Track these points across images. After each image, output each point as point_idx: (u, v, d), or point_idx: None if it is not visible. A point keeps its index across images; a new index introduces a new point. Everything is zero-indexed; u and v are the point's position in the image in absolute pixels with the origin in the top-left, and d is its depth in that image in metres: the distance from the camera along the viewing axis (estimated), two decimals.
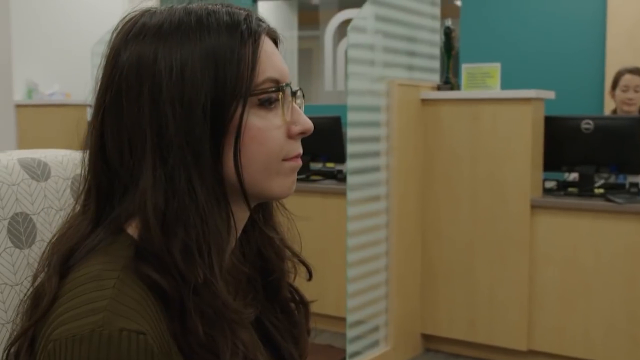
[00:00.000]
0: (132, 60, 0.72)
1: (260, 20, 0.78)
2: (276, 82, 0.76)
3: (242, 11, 0.77)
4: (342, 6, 7.65)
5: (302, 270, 0.91)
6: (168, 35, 0.73)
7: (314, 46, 8.89)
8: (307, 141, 0.81)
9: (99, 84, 0.76)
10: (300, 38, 8.38)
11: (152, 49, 0.72)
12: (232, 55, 0.73)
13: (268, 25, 0.79)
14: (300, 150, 0.80)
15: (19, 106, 5.22)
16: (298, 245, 0.90)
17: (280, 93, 0.76)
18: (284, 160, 0.77)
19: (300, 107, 0.81)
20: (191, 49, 0.72)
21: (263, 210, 0.87)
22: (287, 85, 0.77)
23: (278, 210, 0.89)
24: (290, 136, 0.77)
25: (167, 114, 0.71)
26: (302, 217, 0.90)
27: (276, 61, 0.77)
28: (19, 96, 5.27)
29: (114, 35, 0.76)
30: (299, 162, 0.80)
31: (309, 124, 0.79)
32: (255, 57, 0.74)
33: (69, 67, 5.33)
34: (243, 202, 0.76)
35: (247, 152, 0.74)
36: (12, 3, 5.13)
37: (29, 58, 5.30)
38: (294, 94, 0.79)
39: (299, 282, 0.92)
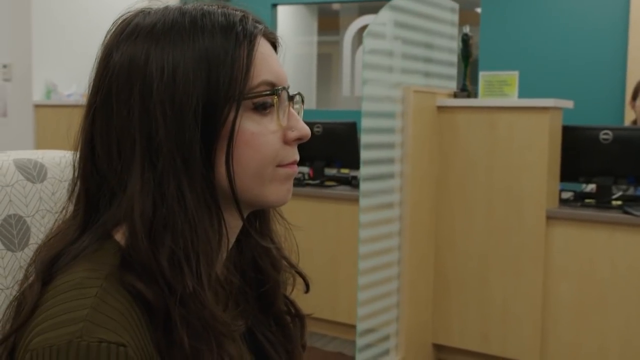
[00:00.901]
0: (124, 61, 0.71)
1: (256, 21, 0.75)
2: (272, 85, 0.74)
3: (238, 12, 0.74)
4: (362, 12, 7.65)
5: (302, 281, 0.88)
6: (161, 36, 0.70)
7: (333, 51, 8.88)
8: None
9: (91, 84, 0.74)
10: (320, 43, 8.38)
11: (144, 50, 0.70)
12: (225, 57, 0.70)
13: (265, 27, 0.76)
14: (297, 157, 0.77)
15: (37, 106, 5.27)
16: (295, 255, 0.87)
17: (275, 97, 0.73)
18: (279, 166, 0.75)
19: (299, 112, 0.79)
20: (184, 51, 0.69)
21: (259, 218, 0.84)
22: (283, 89, 0.74)
23: (275, 218, 0.86)
24: (286, 142, 0.75)
25: (157, 117, 0.68)
26: (298, 226, 0.87)
27: (272, 64, 0.75)
28: (38, 96, 5.32)
29: (108, 35, 0.75)
30: (294, 169, 0.77)
31: (305, 130, 0.76)
32: (250, 59, 0.72)
33: (88, 68, 5.33)
34: (236, 210, 0.74)
35: (240, 158, 0.71)
36: (33, 5, 5.17)
37: (49, 59, 5.34)
38: (291, 98, 0.76)
39: (305, 294, 0.89)
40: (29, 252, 0.79)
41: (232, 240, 0.78)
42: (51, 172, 0.86)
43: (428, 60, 3.48)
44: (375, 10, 3.35)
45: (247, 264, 0.84)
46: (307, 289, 0.89)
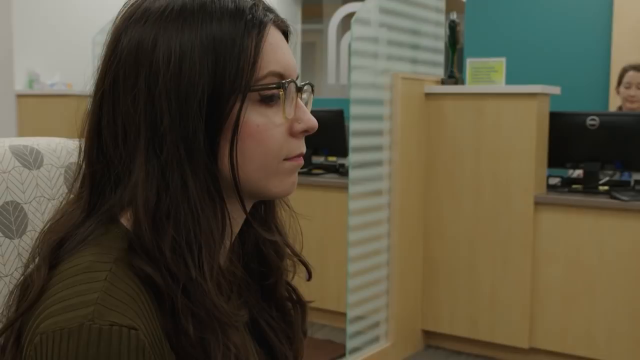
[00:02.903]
0: (132, 46, 0.70)
1: (267, 9, 0.74)
2: (280, 76, 0.72)
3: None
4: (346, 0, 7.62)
5: (301, 269, 0.88)
6: (169, 20, 0.69)
7: (317, 40, 8.86)
8: (309, 134, 0.78)
9: (99, 67, 0.73)
10: (304, 31, 8.35)
11: (152, 35, 0.69)
12: (233, 46, 0.69)
13: (276, 15, 0.75)
14: (303, 149, 0.76)
15: (20, 96, 5.20)
16: (299, 243, 0.87)
17: (282, 91, 0.72)
18: (285, 159, 0.74)
19: (307, 102, 0.78)
20: (192, 37, 0.68)
21: (265, 205, 0.84)
22: (291, 81, 0.73)
23: (280, 205, 0.85)
24: (292, 134, 0.74)
25: (162, 106, 0.68)
26: (305, 216, 0.87)
27: (281, 54, 0.73)
28: (20, 86, 5.25)
29: (118, 17, 0.73)
30: (300, 162, 0.76)
31: (312, 122, 0.75)
32: (258, 49, 0.70)
33: (71, 57, 5.29)
34: (239, 202, 0.73)
35: (244, 150, 0.71)
36: None
37: (30, 48, 5.28)
38: (299, 89, 0.75)
39: (298, 280, 0.89)
40: (27, 240, 0.78)
41: (236, 230, 0.78)
42: (47, 158, 0.84)
43: (415, 47, 3.47)
44: None
45: (250, 251, 0.84)
46: (310, 276, 0.88)
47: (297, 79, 0.75)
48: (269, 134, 0.71)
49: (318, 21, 8.76)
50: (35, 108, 5.10)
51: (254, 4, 0.73)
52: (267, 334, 0.84)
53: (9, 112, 5.24)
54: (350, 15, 6.11)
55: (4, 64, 5.21)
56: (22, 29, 5.19)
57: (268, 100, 0.72)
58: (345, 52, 6.37)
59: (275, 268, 0.84)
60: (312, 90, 0.79)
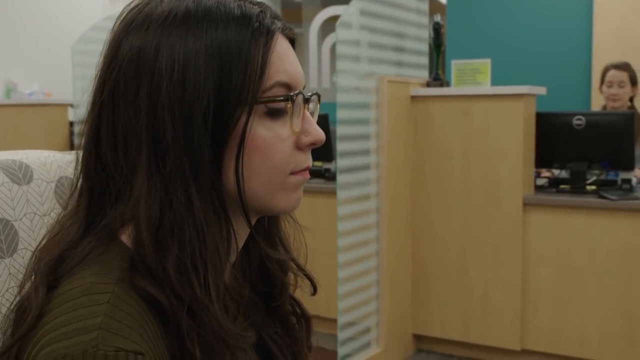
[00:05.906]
0: (133, 53, 0.66)
1: (275, 17, 0.70)
2: (287, 86, 0.69)
3: (255, 6, 0.69)
4: (326, 3, 7.60)
5: (305, 282, 0.85)
6: (172, 27, 0.65)
7: (297, 43, 8.83)
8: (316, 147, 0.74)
9: (97, 75, 0.69)
10: None
11: (154, 43, 0.65)
12: (239, 56, 0.65)
13: (284, 23, 0.71)
14: (310, 163, 0.73)
15: None
16: (303, 256, 0.83)
17: (289, 103, 0.69)
18: (292, 174, 0.71)
19: (314, 113, 0.75)
20: (195, 46, 0.65)
21: (269, 219, 0.81)
22: (299, 93, 0.70)
23: (285, 218, 0.82)
24: (299, 147, 0.71)
25: (165, 119, 0.64)
26: (309, 228, 0.83)
27: (289, 64, 0.70)
28: None
29: (117, 22, 0.69)
30: (306, 176, 0.73)
31: (320, 135, 0.72)
32: (265, 59, 0.67)
33: (49, 66, 5.22)
34: (244, 217, 0.70)
35: (250, 165, 0.67)
36: None
37: (8, 57, 5.19)
38: (306, 100, 0.72)
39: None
40: (18, 259, 0.74)
41: (240, 246, 0.75)
42: (37, 173, 0.80)
43: (399, 49, 3.45)
44: (338, 1, 3.30)
45: (253, 265, 0.81)
46: (315, 291, 0.85)
47: (303, 88, 0.72)
48: (275, 147, 0.68)
49: (297, 25, 8.73)
50: (13, 118, 5.01)
51: (262, 10, 0.69)
52: (273, 351, 0.82)
53: None
54: (331, 19, 6.09)
55: None
56: None
57: (274, 112, 0.68)
58: (327, 56, 6.35)
59: (280, 283, 0.81)
60: (319, 100, 0.76)
